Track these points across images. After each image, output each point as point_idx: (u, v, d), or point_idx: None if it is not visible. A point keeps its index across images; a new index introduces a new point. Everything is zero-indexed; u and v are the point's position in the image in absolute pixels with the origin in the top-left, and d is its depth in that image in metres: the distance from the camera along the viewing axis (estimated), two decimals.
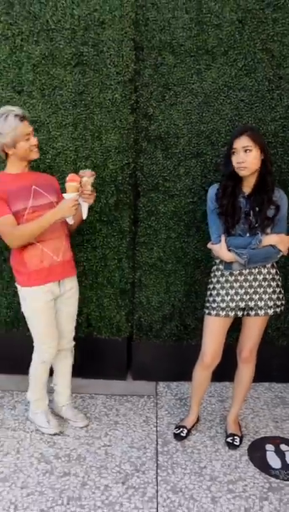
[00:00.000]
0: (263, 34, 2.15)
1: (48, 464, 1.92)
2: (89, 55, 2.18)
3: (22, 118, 1.78)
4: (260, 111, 2.24)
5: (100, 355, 2.60)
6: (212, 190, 1.89)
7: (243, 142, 1.75)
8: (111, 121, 2.25)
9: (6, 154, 1.85)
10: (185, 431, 2.12)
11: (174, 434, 2.12)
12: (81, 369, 2.47)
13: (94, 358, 2.60)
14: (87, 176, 1.83)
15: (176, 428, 2.15)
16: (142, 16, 2.16)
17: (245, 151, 1.75)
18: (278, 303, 1.91)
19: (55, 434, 2.11)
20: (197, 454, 2.02)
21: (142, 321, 2.54)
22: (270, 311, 1.91)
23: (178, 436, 2.10)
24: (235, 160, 1.78)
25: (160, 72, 2.22)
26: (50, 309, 1.96)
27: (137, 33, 2.18)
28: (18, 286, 1.95)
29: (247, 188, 1.84)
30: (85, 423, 2.19)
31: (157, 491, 1.79)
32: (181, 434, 2.10)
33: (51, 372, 2.19)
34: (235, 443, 2.06)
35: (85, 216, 1.92)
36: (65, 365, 2.19)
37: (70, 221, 1.89)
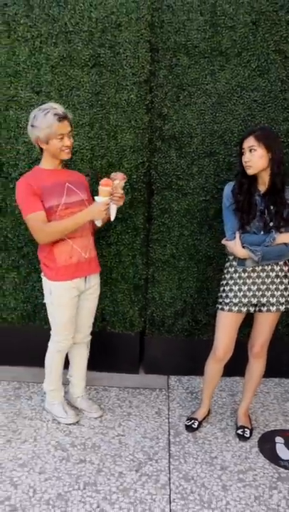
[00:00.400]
0: (276, 36, 2.19)
1: (65, 452, 2.00)
2: (106, 56, 2.24)
3: (61, 118, 1.81)
4: (273, 111, 2.28)
5: (114, 349, 2.67)
6: (228, 188, 1.95)
7: (249, 142, 1.82)
8: (126, 121, 2.31)
9: (41, 148, 1.91)
10: (196, 423, 2.18)
11: (186, 425, 2.19)
12: (95, 362, 2.54)
13: (107, 351, 2.67)
14: (119, 179, 1.86)
15: (187, 420, 2.21)
16: (157, 18, 2.22)
17: (250, 150, 1.81)
18: None
19: (71, 424, 2.18)
20: (208, 444, 2.08)
21: (154, 317, 2.60)
22: (282, 308, 1.95)
23: (189, 428, 2.17)
24: (243, 159, 1.86)
25: (175, 73, 2.27)
26: (74, 305, 2.03)
27: (152, 35, 2.23)
28: (45, 279, 2.01)
29: (262, 186, 1.89)
30: (99, 414, 2.26)
31: (170, 479, 1.86)
32: (193, 426, 2.17)
33: (67, 364, 2.26)
34: (245, 435, 2.12)
35: (113, 218, 1.95)
36: (81, 358, 2.27)
37: (99, 223, 1.96)
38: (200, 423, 2.20)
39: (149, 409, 2.35)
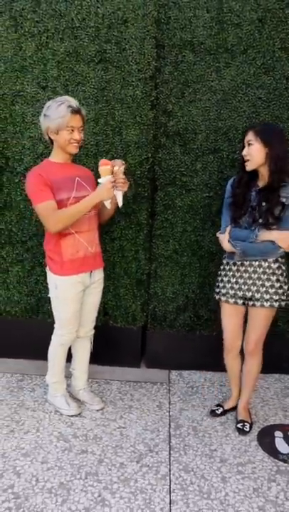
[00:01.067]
0: (282, 33, 2.20)
1: (67, 442, 2.03)
2: (112, 52, 2.25)
3: (74, 111, 1.84)
4: (277, 108, 2.29)
5: (116, 343, 2.70)
6: (229, 182, 1.99)
7: (248, 136, 1.86)
8: (131, 117, 2.32)
9: (51, 140, 1.93)
10: (220, 409, 2.27)
11: (211, 410, 2.27)
12: (97, 356, 2.57)
13: (110, 345, 2.70)
14: (118, 165, 1.89)
15: (214, 405, 2.30)
16: (163, 14, 2.23)
17: (249, 144, 1.84)
18: (276, 297, 1.95)
19: (73, 416, 2.22)
20: (208, 437, 2.11)
21: (156, 311, 2.63)
22: (267, 304, 1.95)
23: (213, 413, 2.26)
24: (242, 153, 1.89)
25: (180, 69, 2.28)
26: (79, 299, 2.05)
27: (158, 32, 2.25)
28: (50, 273, 2.03)
29: (262, 182, 1.91)
30: (101, 406, 2.29)
31: (170, 470, 1.89)
32: (216, 412, 2.25)
33: (70, 357, 2.29)
34: (245, 429, 2.15)
35: (120, 204, 1.97)
36: (84, 352, 2.29)
37: (108, 205, 1.95)
38: (225, 411, 2.27)
39: (150, 403, 2.38)
